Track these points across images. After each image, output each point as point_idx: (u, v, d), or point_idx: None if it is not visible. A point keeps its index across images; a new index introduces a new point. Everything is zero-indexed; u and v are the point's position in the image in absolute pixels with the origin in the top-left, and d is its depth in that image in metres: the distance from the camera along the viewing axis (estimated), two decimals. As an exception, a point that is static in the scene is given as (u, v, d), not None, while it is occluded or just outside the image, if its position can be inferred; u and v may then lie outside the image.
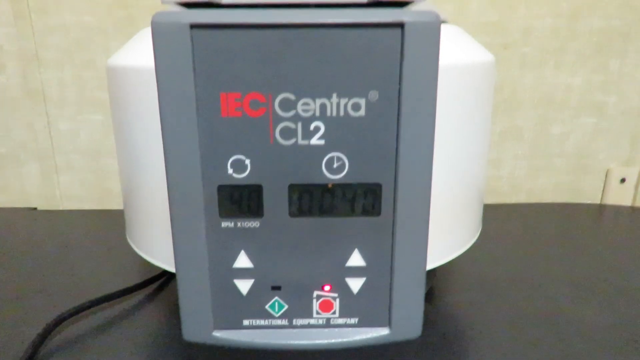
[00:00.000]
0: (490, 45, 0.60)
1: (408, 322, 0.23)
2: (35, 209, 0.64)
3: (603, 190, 0.67)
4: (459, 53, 0.28)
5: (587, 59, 0.61)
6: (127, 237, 0.35)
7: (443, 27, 0.30)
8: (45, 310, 0.37)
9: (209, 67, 0.19)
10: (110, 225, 0.55)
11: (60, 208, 0.65)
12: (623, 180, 0.66)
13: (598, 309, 0.37)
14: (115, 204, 0.65)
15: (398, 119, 0.20)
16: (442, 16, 0.31)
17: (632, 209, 0.61)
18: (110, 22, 0.58)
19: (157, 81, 0.19)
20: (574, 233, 0.52)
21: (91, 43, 0.59)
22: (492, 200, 0.67)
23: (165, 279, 0.42)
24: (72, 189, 0.65)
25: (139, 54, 0.28)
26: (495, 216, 0.58)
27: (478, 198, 0.34)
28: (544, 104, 0.63)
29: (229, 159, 0.21)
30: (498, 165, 0.65)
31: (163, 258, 0.31)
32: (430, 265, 0.31)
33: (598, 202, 0.68)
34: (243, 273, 0.22)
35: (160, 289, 0.40)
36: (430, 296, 0.39)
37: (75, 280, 0.42)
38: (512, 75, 0.62)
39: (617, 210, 0.61)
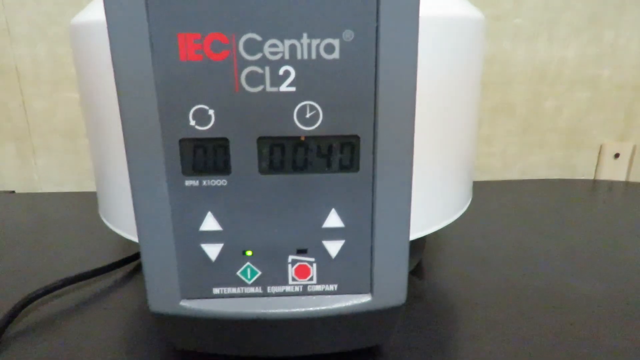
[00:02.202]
0: (481, 16, 0.58)
1: (391, 289, 0.21)
2: (13, 192, 0.62)
3: (597, 166, 0.66)
4: (445, 6, 0.26)
5: (581, 31, 0.60)
6: (100, 214, 0.34)
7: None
8: (16, 292, 0.35)
9: (163, 5, 0.17)
10: (89, 207, 0.53)
11: (39, 191, 0.63)
12: (617, 156, 0.64)
13: (592, 281, 0.35)
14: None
15: (376, 62, 0.18)
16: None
17: (626, 184, 0.60)
18: (85, -6, 0.56)
19: (107, 23, 0.17)
20: (567, 208, 0.51)
21: (64, 16, 0.56)
22: (484, 177, 0.65)
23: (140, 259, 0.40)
24: (51, 172, 0.63)
25: (100, 9, 0.26)
26: (487, 192, 0.56)
27: (467, 165, 0.32)
28: (537, 78, 0.61)
29: (190, 109, 0.19)
30: (490, 142, 0.64)
31: (134, 231, 0.29)
32: (418, 234, 0.29)
33: (592, 177, 0.66)
34: (211, 237, 0.20)
35: (136, 269, 0.39)
36: (419, 270, 0.37)
37: (50, 261, 0.40)
38: (504, 48, 0.60)
39: (611, 185, 0.59)
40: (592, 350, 0.27)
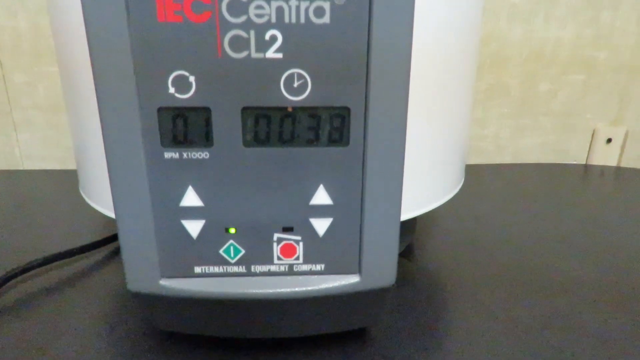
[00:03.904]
0: (478, -6, 0.57)
1: (380, 269, 0.21)
2: (-7, 168, 0.60)
3: (589, 151, 0.65)
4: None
5: (578, 11, 0.58)
6: (80, 191, 0.32)
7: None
8: (-9, 269, 0.34)
9: (140, -41, 0.16)
10: (72, 184, 0.52)
11: (21, 168, 0.61)
12: (609, 141, 0.64)
13: (581, 264, 0.35)
14: (81, 164, 0.61)
15: (369, 28, 0.17)
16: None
17: (618, 169, 0.60)
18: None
19: (78, -23, 0.16)
20: (558, 192, 0.51)
21: (46, -14, 0.54)
22: (476, 160, 0.65)
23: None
24: (33, 148, 0.61)
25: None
26: (479, 176, 0.56)
27: (460, 146, 0.31)
28: (532, 60, 0.60)
29: (169, 76, 0.17)
30: (483, 124, 0.63)
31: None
32: (409, 214, 0.28)
33: (584, 162, 0.66)
34: (192, 212, 0.19)
35: (118, 249, 0.37)
36: (409, 252, 0.37)
37: (31, 239, 0.38)
38: (500, 28, 0.59)
39: (602, 170, 0.59)
40: (578, 332, 0.27)
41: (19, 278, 0.33)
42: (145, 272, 0.20)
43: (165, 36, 0.17)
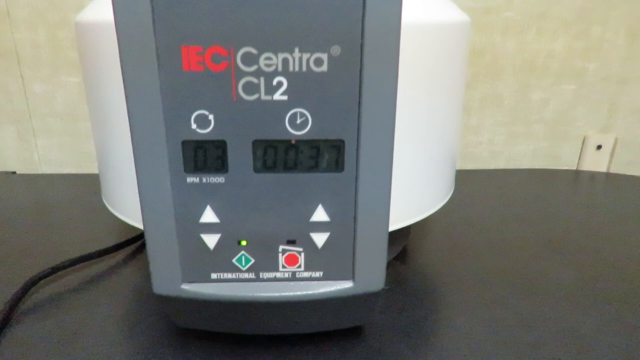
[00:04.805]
0: (471, 10, 0.60)
1: (371, 276, 0.24)
2: (14, 172, 0.64)
3: (580, 157, 0.68)
4: (429, 11, 0.28)
5: (570, 25, 0.61)
6: (103, 199, 0.36)
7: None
8: (23, 271, 0.37)
9: (169, 20, 0.19)
10: (89, 188, 0.55)
11: (39, 172, 0.65)
12: (599, 147, 0.67)
13: (563, 268, 0.38)
14: (95, 168, 0.65)
15: (360, 75, 0.20)
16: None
17: (607, 175, 0.63)
18: (84, -21, 0.56)
19: (117, 35, 0.19)
20: (549, 197, 0.53)
21: (64, 1, 0.57)
22: (471, 165, 0.68)
23: (142, 241, 0.42)
24: (51, 153, 0.64)
25: (106, 8, 0.28)
26: (473, 181, 0.59)
27: (450, 159, 0.34)
28: (525, 71, 0.63)
29: (192, 114, 0.21)
30: (478, 132, 0.66)
31: (137, 217, 0.31)
32: (401, 224, 0.31)
33: (575, 168, 0.69)
34: (209, 228, 0.23)
35: (137, 250, 0.41)
36: (402, 255, 0.40)
37: (54, 242, 0.42)
38: (494, 40, 0.61)
39: (592, 176, 0.62)
40: (554, 330, 0.30)
41: (50, 277, 0.36)
42: (169, 278, 0.23)
43: (189, 82, 0.20)
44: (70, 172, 0.63)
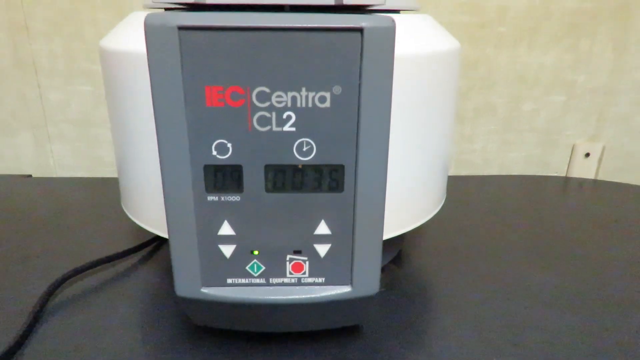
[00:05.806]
0: (467, 25, 0.63)
1: (367, 281, 0.27)
2: (30, 176, 0.67)
3: (569, 164, 0.71)
4: (419, 44, 0.31)
5: (560, 39, 0.64)
6: (122, 206, 0.39)
7: (412, 16, 0.33)
8: (48, 271, 0.41)
9: (195, 64, 0.22)
10: (103, 192, 0.58)
11: (54, 176, 0.68)
12: (587, 155, 0.70)
13: (545, 272, 0.41)
14: (106, 172, 0.68)
15: (358, 110, 0.23)
16: (413, 4, 0.34)
17: (595, 181, 0.66)
18: (99, -6, 0.60)
19: (150, 76, 0.22)
20: (539, 203, 0.57)
21: (79, 14, 0.60)
22: (465, 172, 0.71)
23: (157, 243, 0.46)
24: (65, 158, 0.67)
25: (131, 39, 0.31)
26: (466, 187, 0.62)
27: (441, 172, 0.38)
28: (517, 82, 0.66)
29: (213, 143, 0.24)
30: (472, 140, 0.69)
31: (155, 225, 0.35)
32: (395, 233, 0.35)
33: (564, 174, 0.72)
34: (226, 239, 0.26)
35: (152, 252, 0.44)
36: (398, 259, 0.43)
37: (74, 244, 0.45)
38: (488, 54, 0.65)
39: (581, 182, 0.65)
40: (534, 329, 0.34)
41: (73, 278, 0.39)
42: (190, 282, 0.27)
43: (211, 116, 0.23)
44: (83, 176, 0.67)
